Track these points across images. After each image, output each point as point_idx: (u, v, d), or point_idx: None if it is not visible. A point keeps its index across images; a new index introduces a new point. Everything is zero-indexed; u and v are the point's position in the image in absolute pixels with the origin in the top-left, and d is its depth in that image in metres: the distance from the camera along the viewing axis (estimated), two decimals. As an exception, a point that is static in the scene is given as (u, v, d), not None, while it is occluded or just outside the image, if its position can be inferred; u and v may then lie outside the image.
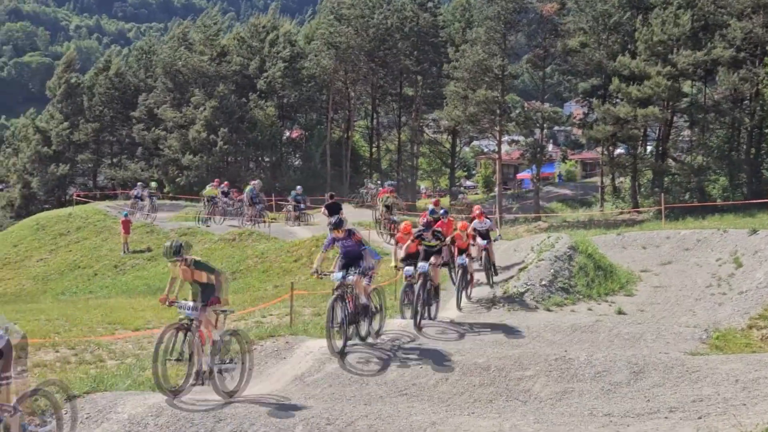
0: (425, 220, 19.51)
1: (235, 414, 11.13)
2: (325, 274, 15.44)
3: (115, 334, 19.09)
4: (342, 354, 14.37)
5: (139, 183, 55.43)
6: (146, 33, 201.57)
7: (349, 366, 14.09)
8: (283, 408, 11.41)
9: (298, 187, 45.33)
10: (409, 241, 18.82)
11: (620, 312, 20.96)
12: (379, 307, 16.24)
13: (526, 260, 24.85)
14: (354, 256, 15.48)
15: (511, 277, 23.66)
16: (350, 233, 15.44)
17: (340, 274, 14.97)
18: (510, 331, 17.83)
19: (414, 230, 19.20)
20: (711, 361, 12.91)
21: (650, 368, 12.58)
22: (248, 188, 44.06)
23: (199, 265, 12.43)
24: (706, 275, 24.86)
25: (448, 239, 21.53)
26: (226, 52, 74.60)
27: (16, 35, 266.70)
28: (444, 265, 20.41)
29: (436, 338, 17.13)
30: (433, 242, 18.93)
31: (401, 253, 19.05)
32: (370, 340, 15.63)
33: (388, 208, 34.17)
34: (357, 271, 15.17)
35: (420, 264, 18.40)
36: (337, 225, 15.39)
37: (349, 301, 14.95)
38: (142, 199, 49.38)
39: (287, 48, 72.15)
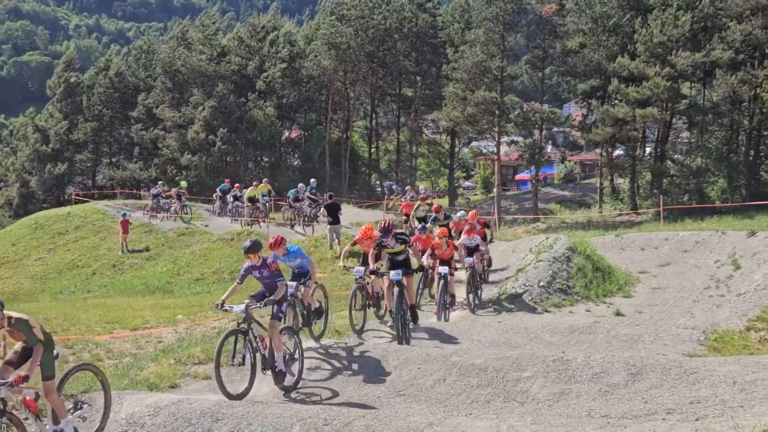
0: (383, 225, 16.94)
1: (233, 414, 11.11)
2: (226, 309, 12.90)
3: (113, 334, 19.10)
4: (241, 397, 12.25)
5: (159, 182, 54.89)
6: (146, 32, 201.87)
7: (347, 366, 14.07)
8: (281, 408, 11.40)
9: (313, 180, 43.18)
10: (372, 251, 17.21)
11: (618, 313, 21.00)
12: (323, 308, 15.54)
13: (524, 262, 24.86)
14: (273, 289, 13.54)
15: (510, 277, 23.67)
16: (265, 261, 13.50)
17: (242, 306, 12.68)
18: (508, 331, 17.82)
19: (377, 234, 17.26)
20: (709, 362, 12.91)
21: (648, 370, 12.57)
22: (292, 190, 41.68)
23: (19, 326, 9.91)
24: (704, 277, 24.89)
25: (427, 254, 20.70)
26: (226, 52, 74.57)
27: (15, 34, 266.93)
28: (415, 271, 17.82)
29: (433, 339, 17.12)
30: (398, 247, 16.96)
31: (370, 264, 17.15)
32: (312, 343, 14.89)
33: (423, 220, 29.73)
34: (262, 303, 12.99)
35: (392, 272, 16.53)
36: (250, 249, 13.21)
37: (260, 342, 12.86)
38: (162, 198, 48.76)
39: (287, 48, 72.15)
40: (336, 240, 33.49)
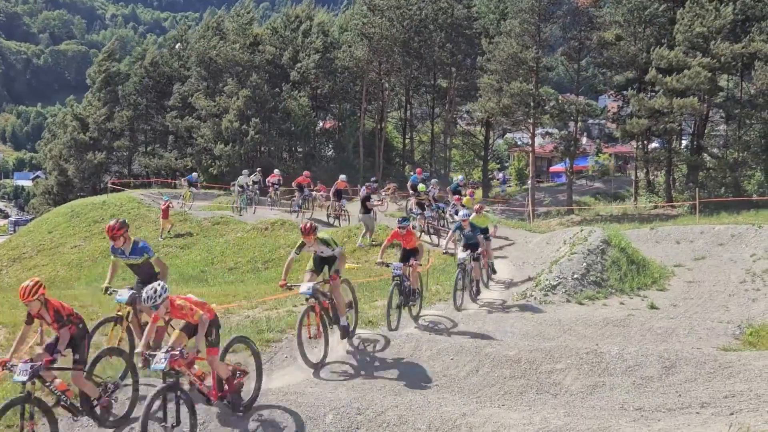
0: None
1: (266, 402, 11.20)
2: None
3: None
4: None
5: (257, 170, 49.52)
6: (181, 22, 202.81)
7: (380, 356, 14.10)
8: (314, 397, 11.46)
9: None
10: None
11: (653, 307, 20.89)
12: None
13: (558, 254, 24.79)
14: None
15: (543, 270, 23.60)
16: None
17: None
18: (541, 323, 17.79)
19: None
20: (744, 357, 12.83)
21: (682, 363, 12.52)
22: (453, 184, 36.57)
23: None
24: (740, 271, 24.75)
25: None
26: (259, 41, 74.66)
27: (52, 23, 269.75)
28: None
29: (466, 330, 17.12)
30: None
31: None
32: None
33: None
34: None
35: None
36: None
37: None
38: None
39: (321, 38, 72.21)
40: (368, 232, 33.35)
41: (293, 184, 41.90)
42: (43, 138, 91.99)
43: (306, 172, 42.59)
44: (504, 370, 12.99)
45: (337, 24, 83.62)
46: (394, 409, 10.75)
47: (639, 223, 40.03)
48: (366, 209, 33.23)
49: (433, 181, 36.76)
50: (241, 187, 44.77)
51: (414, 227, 25.45)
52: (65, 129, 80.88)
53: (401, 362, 13.77)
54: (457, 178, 38.19)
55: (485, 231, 23.36)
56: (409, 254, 17.60)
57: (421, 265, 17.93)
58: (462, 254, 20.14)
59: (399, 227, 17.38)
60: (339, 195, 38.77)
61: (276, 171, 45.67)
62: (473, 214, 25.48)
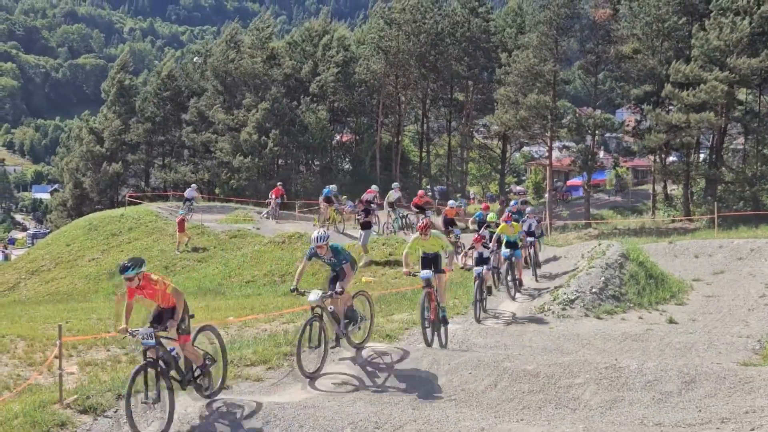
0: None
1: (284, 416, 11.17)
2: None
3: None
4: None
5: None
6: (199, 36, 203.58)
7: (398, 370, 14.07)
8: (332, 411, 11.43)
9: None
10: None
11: (671, 321, 20.79)
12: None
13: (577, 268, 24.70)
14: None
15: (562, 284, 23.52)
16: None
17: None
18: (560, 338, 17.73)
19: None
20: (764, 371, 12.74)
21: (702, 378, 12.44)
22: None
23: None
24: (759, 285, 24.57)
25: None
26: (275, 54, 74.80)
27: (71, 37, 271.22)
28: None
29: (485, 345, 17.06)
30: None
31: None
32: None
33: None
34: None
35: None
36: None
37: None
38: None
39: (341, 53, 72.25)
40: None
41: (412, 205, 36.36)
42: (57, 153, 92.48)
43: (421, 192, 39.67)
44: (522, 385, 12.93)
45: (353, 38, 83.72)
46: (412, 424, 10.71)
47: (657, 236, 39.76)
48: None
49: (528, 209, 30.62)
50: (391, 205, 39.46)
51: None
52: (81, 142, 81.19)
53: (419, 376, 13.73)
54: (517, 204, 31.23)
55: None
56: (164, 314, 12.30)
57: (182, 332, 12.12)
58: (313, 296, 13.77)
59: (123, 277, 12.19)
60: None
61: (373, 187, 38.70)
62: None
